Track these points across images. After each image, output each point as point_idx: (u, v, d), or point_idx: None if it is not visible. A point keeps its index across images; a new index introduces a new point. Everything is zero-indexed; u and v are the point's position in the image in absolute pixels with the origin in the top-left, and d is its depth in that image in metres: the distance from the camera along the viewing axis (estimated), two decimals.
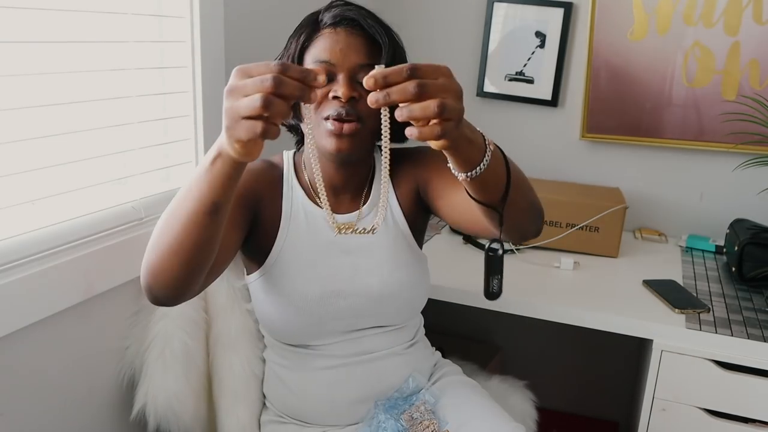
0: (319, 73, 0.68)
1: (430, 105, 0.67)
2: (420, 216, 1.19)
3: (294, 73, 0.67)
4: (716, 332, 1.29)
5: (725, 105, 1.77)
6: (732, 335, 1.28)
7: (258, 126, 0.67)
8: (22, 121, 0.97)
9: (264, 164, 1.14)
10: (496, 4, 1.91)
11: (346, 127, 1.00)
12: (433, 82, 0.68)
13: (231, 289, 1.22)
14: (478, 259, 1.64)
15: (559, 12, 1.87)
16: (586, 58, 1.86)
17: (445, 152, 0.78)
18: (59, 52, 1.02)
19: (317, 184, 0.86)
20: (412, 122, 0.70)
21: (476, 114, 2.01)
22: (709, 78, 1.78)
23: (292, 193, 1.13)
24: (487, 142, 0.81)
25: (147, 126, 1.21)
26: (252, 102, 0.66)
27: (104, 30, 1.10)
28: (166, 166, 1.28)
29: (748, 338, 1.27)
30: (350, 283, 1.10)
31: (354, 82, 1.01)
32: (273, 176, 1.13)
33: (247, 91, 0.67)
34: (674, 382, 1.31)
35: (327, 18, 1.04)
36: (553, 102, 1.93)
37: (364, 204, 1.14)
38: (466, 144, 0.77)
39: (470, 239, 1.74)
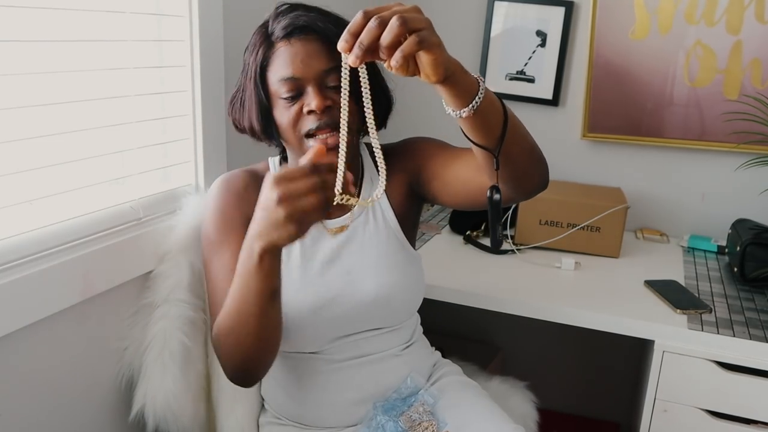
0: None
1: (393, 23, 0.70)
2: (412, 210, 1.19)
3: (323, 168, 0.79)
4: (718, 333, 1.29)
5: (727, 104, 1.77)
6: (734, 336, 1.28)
7: (318, 212, 0.78)
8: (20, 121, 0.97)
9: (247, 179, 1.11)
10: (497, 3, 1.91)
11: (331, 140, 1.00)
12: (389, 12, 0.71)
13: None
14: (478, 259, 1.64)
15: (560, 11, 1.87)
16: (587, 58, 1.86)
17: (440, 87, 0.79)
18: (57, 51, 1.02)
19: None
20: (391, 63, 0.72)
21: None
22: (711, 77, 1.78)
23: None
24: (477, 77, 0.82)
25: (145, 125, 1.21)
26: (307, 183, 0.78)
27: (102, 29, 1.10)
28: (165, 166, 1.28)
29: (750, 339, 1.27)
30: (344, 290, 1.09)
31: (323, 88, 1.00)
32: (258, 187, 1.09)
33: (300, 191, 0.77)
34: (676, 382, 1.31)
35: (278, 31, 1.01)
36: (554, 101, 1.93)
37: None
38: (460, 72, 0.78)
39: (470, 239, 1.74)
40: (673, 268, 1.64)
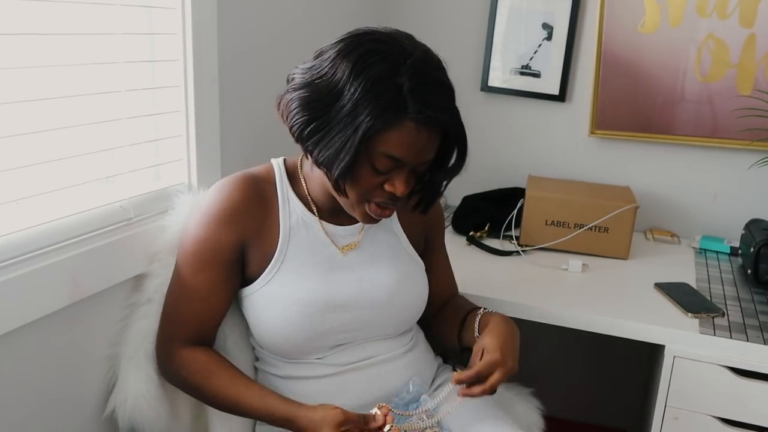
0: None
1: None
2: (421, 241, 1.26)
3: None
4: (731, 337, 1.29)
5: (740, 100, 1.77)
6: (748, 340, 1.28)
7: None
8: (4, 117, 0.96)
9: (248, 189, 1.09)
10: None
11: (387, 212, 1.03)
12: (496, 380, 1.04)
13: None
14: (482, 260, 1.64)
15: (566, 3, 1.86)
16: (595, 52, 1.86)
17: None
18: (43, 45, 1.02)
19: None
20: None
21: (480, 109, 2.01)
22: (723, 72, 1.78)
23: (290, 206, 1.12)
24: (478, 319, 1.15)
25: (136, 122, 1.20)
26: None
27: (91, 21, 1.09)
28: (157, 164, 1.28)
29: (765, 344, 1.27)
30: (354, 296, 1.11)
31: (413, 173, 1.02)
32: (259, 197, 1.11)
33: None
34: (687, 389, 1.31)
35: (414, 110, 0.93)
36: (561, 97, 1.93)
37: None
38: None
39: (474, 240, 1.74)
40: (685, 270, 1.64)
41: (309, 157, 1.03)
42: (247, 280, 1.12)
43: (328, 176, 1.02)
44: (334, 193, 1.05)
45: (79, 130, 1.09)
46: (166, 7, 1.23)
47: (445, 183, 1.08)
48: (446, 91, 0.99)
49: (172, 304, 1.11)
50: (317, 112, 0.97)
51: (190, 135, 1.30)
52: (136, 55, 1.20)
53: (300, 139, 1.01)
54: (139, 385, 1.12)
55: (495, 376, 1.02)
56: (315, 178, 1.10)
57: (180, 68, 1.26)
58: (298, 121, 0.99)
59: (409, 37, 1.01)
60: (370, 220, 1.06)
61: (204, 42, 1.29)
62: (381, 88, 0.93)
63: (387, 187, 1.00)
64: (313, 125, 0.98)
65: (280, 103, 1.04)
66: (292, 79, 1.02)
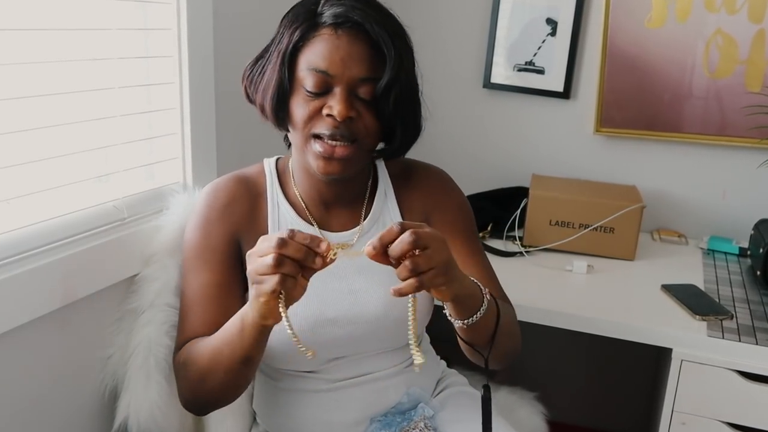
0: (323, 241, 0.82)
1: (404, 238, 0.81)
2: None
3: (299, 238, 0.81)
4: (740, 340, 1.29)
5: (749, 97, 1.77)
6: (757, 344, 1.28)
7: (273, 280, 0.80)
8: None
9: (235, 190, 1.09)
10: None
11: (339, 150, 0.97)
12: (423, 232, 0.82)
13: None
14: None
15: None
16: (600, 47, 1.86)
17: (445, 302, 0.92)
18: (35, 41, 1.02)
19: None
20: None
21: (483, 106, 2.01)
22: (732, 68, 1.78)
23: (279, 211, 1.10)
24: (484, 293, 0.95)
25: (130, 119, 1.20)
26: (264, 261, 0.80)
27: (84, 16, 1.09)
28: (151, 163, 1.28)
29: None
30: (347, 311, 1.07)
31: (352, 97, 0.97)
32: (250, 197, 1.10)
33: (261, 253, 0.81)
34: (695, 393, 1.31)
35: (328, 15, 0.96)
36: (565, 94, 1.93)
37: (365, 219, 1.12)
38: (465, 295, 0.92)
39: None
40: (692, 272, 1.63)
41: (262, 113, 1.05)
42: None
43: (269, 116, 1.03)
44: (292, 139, 1.04)
45: (71, 128, 1.09)
46: (160, 2, 1.23)
47: (396, 101, 0.98)
48: (364, 3, 0.98)
49: (182, 313, 1.08)
50: (256, 64, 1.06)
51: (185, 133, 1.30)
52: (130, 51, 1.19)
53: (249, 97, 1.07)
54: (152, 395, 1.11)
55: (402, 236, 0.81)
56: (298, 160, 1.08)
57: (175, 64, 1.26)
58: (246, 77, 1.07)
59: None
60: (326, 165, 0.99)
61: (199, 37, 1.29)
62: (299, 13, 1.00)
63: (325, 110, 0.97)
64: (253, 76, 1.06)
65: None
66: None
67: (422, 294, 1.11)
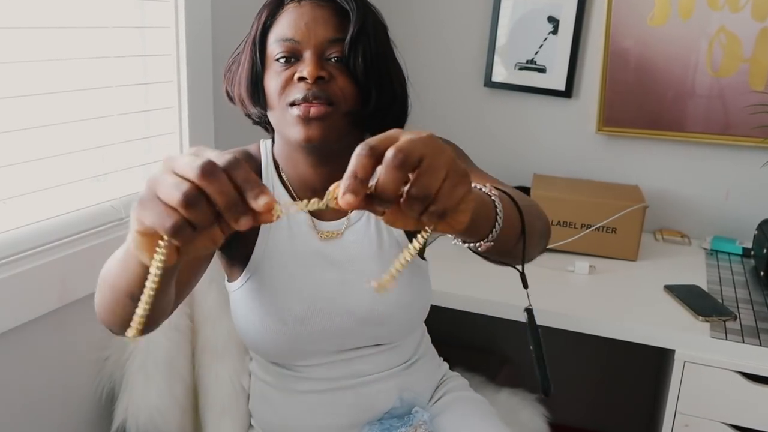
0: (264, 194, 0.56)
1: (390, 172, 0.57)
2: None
3: (237, 176, 0.55)
4: (743, 342, 1.28)
5: (753, 96, 1.76)
6: (760, 345, 1.27)
7: (169, 219, 0.54)
8: None
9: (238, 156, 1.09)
10: None
11: (314, 109, 0.96)
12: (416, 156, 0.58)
13: (219, 292, 1.20)
14: (484, 262, 1.63)
15: None
16: (602, 45, 1.86)
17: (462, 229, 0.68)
18: (32, 39, 1.02)
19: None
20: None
21: (484, 106, 2.01)
22: (735, 66, 1.78)
23: (273, 192, 1.08)
24: (485, 191, 0.77)
25: (128, 119, 1.20)
26: (172, 190, 0.54)
27: (82, 15, 1.09)
28: (149, 162, 1.28)
29: None
30: (335, 302, 1.05)
31: (322, 59, 0.98)
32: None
33: (176, 169, 0.55)
34: (698, 395, 1.31)
35: None
36: (567, 93, 1.93)
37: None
38: (479, 209, 0.72)
39: None
40: (695, 272, 1.63)
41: (242, 105, 1.05)
42: (232, 265, 1.08)
43: (246, 99, 1.03)
44: (272, 120, 1.04)
45: (68, 127, 1.09)
46: (158, 0, 1.23)
47: (365, 58, 0.98)
48: None
49: None
50: (233, 63, 1.06)
51: (184, 132, 1.30)
52: (127, 50, 1.19)
53: (230, 96, 1.08)
54: (151, 398, 1.11)
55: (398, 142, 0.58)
56: (282, 147, 1.07)
57: (173, 62, 1.26)
58: (225, 76, 1.07)
59: None
60: (306, 129, 0.96)
61: (198, 35, 1.29)
62: (266, 2, 1.03)
63: (296, 75, 0.98)
64: (231, 72, 1.07)
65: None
66: None
67: (418, 281, 1.10)
